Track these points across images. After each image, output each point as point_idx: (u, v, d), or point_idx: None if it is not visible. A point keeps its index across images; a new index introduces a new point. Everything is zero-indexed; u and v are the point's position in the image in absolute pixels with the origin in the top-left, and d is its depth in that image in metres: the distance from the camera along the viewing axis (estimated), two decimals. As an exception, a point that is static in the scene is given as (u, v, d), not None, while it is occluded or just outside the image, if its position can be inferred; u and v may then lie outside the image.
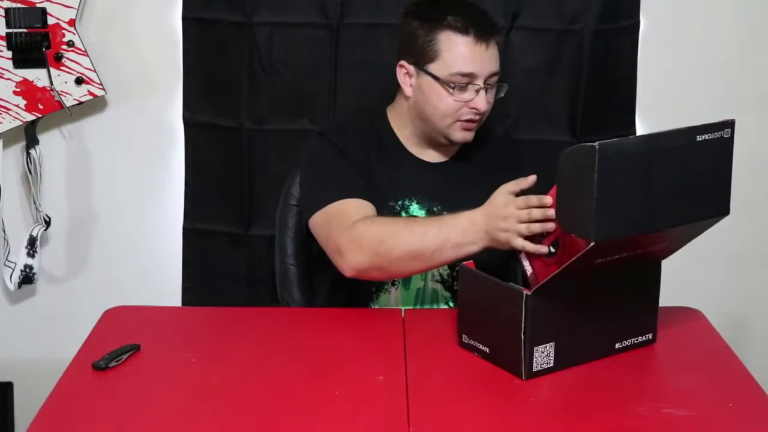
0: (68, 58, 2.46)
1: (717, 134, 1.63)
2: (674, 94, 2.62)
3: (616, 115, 2.61)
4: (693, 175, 1.63)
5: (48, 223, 2.58)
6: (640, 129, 2.61)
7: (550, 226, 1.69)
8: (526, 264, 1.76)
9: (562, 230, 1.66)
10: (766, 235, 2.73)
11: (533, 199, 1.72)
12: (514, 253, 1.79)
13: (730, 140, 1.65)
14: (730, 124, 1.64)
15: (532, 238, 1.73)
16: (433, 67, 2.03)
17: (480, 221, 1.81)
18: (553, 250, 1.69)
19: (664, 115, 2.59)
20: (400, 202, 2.10)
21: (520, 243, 1.73)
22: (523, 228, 1.73)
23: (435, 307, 2.12)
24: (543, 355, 1.69)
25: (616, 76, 2.60)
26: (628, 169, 1.55)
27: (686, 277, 2.41)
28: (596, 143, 1.51)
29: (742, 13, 2.60)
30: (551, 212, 1.68)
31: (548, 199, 1.69)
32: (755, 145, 2.60)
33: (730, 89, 2.62)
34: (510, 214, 1.75)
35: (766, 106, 2.64)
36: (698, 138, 1.61)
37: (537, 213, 1.71)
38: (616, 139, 1.55)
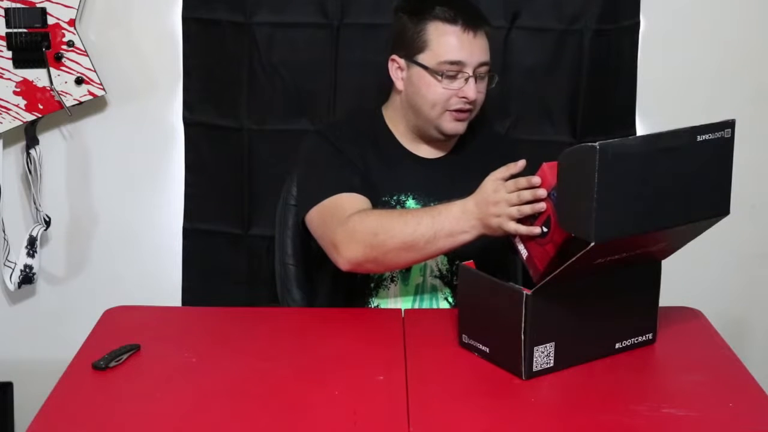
0: (68, 58, 2.46)
1: (717, 134, 1.63)
2: (674, 94, 2.62)
3: (616, 115, 2.61)
4: (693, 175, 1.63)
5: (48, 223, 2.58)
6: (640, 129, 2.61)
7: (541, 206, 1.70)
8: (521, 248, 1.76)
9: (552, 208, 1.67)
10: (766, 235, 2.72)
11: (522, 180, 1.73)
12: (509, 241, 1.79)
13: (730, 140, 1.65)
14: (730, 124, 1.64)
15: (524, 220, 1.73)
16: (422, 57, 2.05)
17: (472, 209, 1.83)
18: (545, 229, 1.69)
19: (664, 115, 2.59)
20: (395, 197, 2.11)
21: (513, 226, 1.74)
22: (514, 211, 1.73)
23: (434, 302, 2.13)
24: (543, 355, 1.69)
25: (616, 76, 2.59)
26: (628, 169, 1.55)
27: (686, 277, 2.41)
28: (596, 143, 1.51)
29: (742, 12, 2.59)
30: (541, 192, 1.69)
31: (537, 179, 1.70)
32: (755, 145, 2.59)
33: (731, 89, 2.62)
34: (500, 198, 1.76)
35: (766, 106, 2.64)
36: (698, 138, 1.61)
37: (527, 194, 1.71)
38: (616, 139, 1.55)
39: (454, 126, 2.09)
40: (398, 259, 1.92)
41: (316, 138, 2.15)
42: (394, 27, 2.13)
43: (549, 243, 1.69)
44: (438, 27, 2.04)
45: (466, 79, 2.04)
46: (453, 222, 1.85)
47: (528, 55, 2.55)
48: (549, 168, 1.68)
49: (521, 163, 1.78)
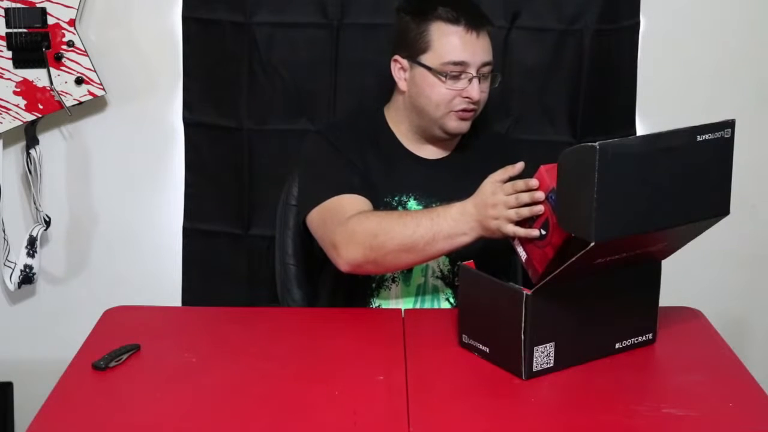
0: (68, 58, 2.46)
1: (717, 134, 1.63)
2: (674, 94, 2.62)
3: (616, 115, 2.61)
4: (693, 175, 1.63)
5: (48, 223, 2.58)
6: (640, 129, 2.61)
7: (539, 208, 1.70)
8: (520, 250, 1.76)
9: (550, 210, 1.67)
10: (766, 235, 2.72)
11: (520, 183, 1.74)
12: (510, 243, 1.80)
13: (730, 140, 1.65)
14: (730, 124, 1.64)
15: (523, 223, 1.73)
16: (425, 58, 2.06)
17: (471, 211, 1.83)
18: (543, 232, 1.70)
19: (664, 115, 2.59)
20: (397, 198, 2.11)
21: (511, 229, 1.75)
22: (512, 213, 1.74)
23: (435, 302, 2.13)
24: (543, 355, 1.69)
25: (616, 76, 2.59)
26: (628, 169, 1.55)
27: (686, 277, 2.41)
28: (596, 143, 1.51)
29: (742, 12, 2.59)
30: (539, 194, 1.70)
31: (534, 182, 1.70)
32: (755, 145, 2.59)
33: (731, 89, 2.62)
34: (498, 201, 1.77)
35: (766, 106, 2.64)
36: (698, 138, 1.61)
37: (525, 197, 1.72)
38: (616, 139, 1.55)
39: (458, 125, 2.09)
40: (398, 260, 1.92)
41: (317, 138, 2.16)
42: (396, 27, 2.13)
43: (547, 245, 1.69)
44: (441, 27, 2.04)
45: (470, 80, 2.05)
46: (452, 224, 1.86)
47: (528, 55, 2.55)
48: (547, 171, 1.68)
49: (519, 166, 1.79)
